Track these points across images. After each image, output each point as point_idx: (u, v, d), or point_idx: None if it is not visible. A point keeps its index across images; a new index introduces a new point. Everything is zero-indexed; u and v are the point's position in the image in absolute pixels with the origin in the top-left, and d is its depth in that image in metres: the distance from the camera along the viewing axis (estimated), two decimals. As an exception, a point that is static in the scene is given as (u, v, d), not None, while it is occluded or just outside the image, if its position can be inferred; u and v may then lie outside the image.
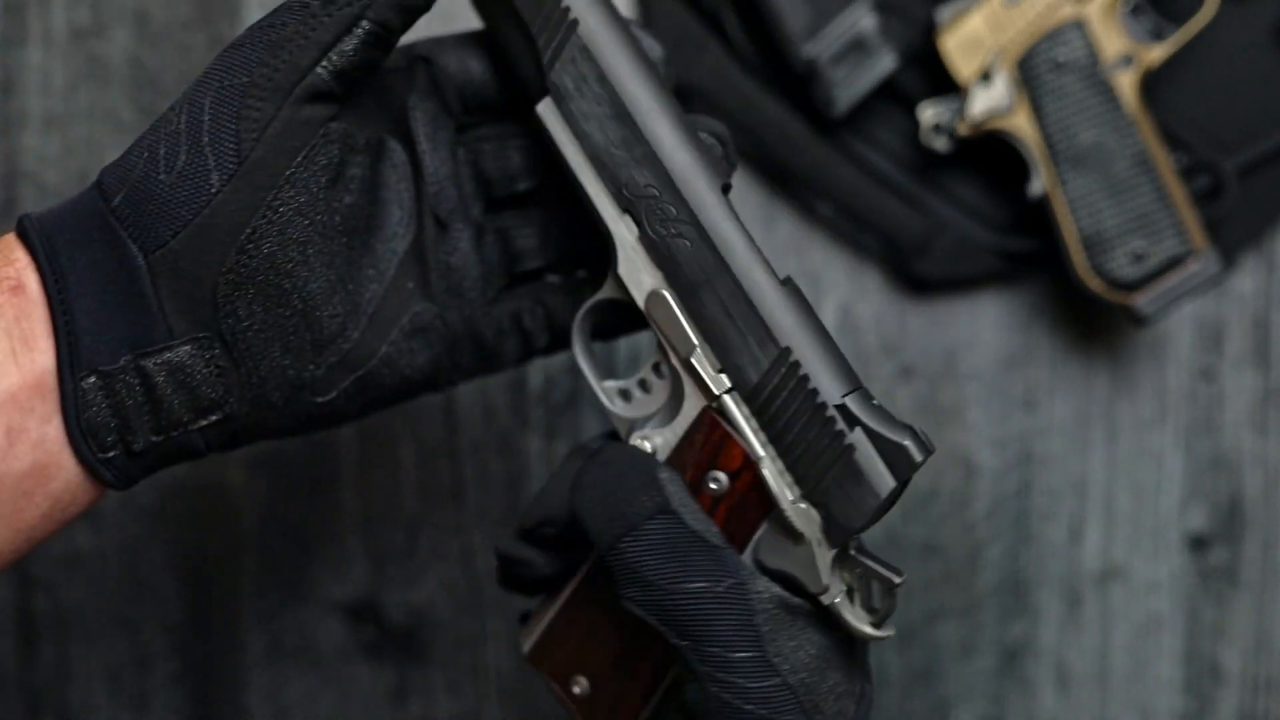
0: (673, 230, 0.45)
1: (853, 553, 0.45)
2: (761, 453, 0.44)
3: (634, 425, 0.47)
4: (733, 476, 0.45)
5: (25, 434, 0.41)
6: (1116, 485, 0.72)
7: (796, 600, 0.44)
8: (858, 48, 0.66)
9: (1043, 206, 0.67)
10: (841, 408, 0.44)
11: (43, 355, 0.42)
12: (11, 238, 0.44)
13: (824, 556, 0.44)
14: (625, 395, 0.48)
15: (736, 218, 0.45)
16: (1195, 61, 0.68)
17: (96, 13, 0.69)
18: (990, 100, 0.66)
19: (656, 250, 0.45)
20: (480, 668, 0.72)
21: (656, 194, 0.45)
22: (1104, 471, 0.71)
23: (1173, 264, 0.66)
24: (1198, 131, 0.69)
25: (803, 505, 0.44)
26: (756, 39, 0.68)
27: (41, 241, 0.42)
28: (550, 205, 0.50)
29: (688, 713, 0.45)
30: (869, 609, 0.45)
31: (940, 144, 0.67)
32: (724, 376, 0.45)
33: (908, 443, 0.43)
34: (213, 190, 0.42)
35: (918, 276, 0.69)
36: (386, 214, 0.47)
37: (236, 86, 0.42)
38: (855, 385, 0.44)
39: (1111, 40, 0.65)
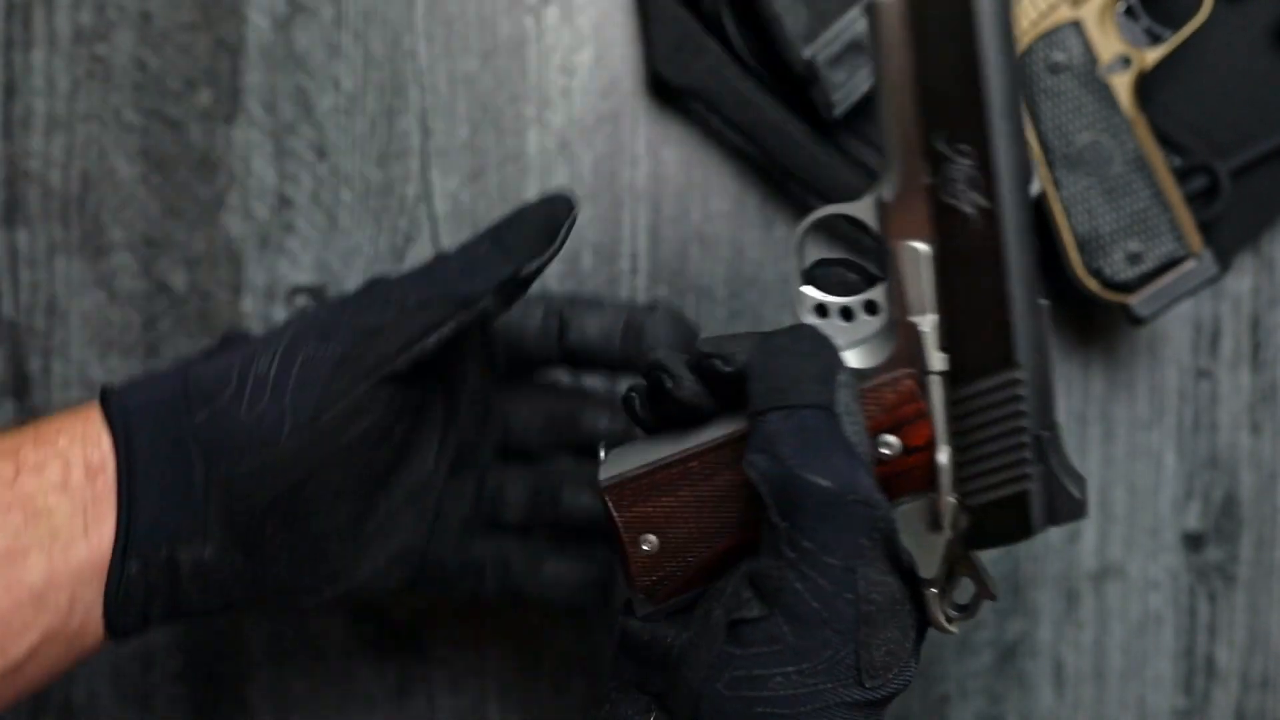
0: (967, 201, 0.43)
1: (970, 555, 0.46)
2: (946, 443, 0.44)
3: None
4: (907, 450, 0.44)
5: (81, 602, 0.47)
6: (1113, 484, 0.72)
7: (900, 558, 0.44)
8: (857, 49, 0.66)
9: (1039, 207, 0.67)
10: (1037, 439, 0.44)
11: (106, 535, 0.46)
12: (98, 418, 0.48)
13: (947, 553, 0.44)
14: (822, 311, 0.46)
15: (1032, 228, 0.44)
16: (1191, 63, 0.69)
17: (100, 15, 0.70)
18: (988, 102, 0.66)
19: (939, 207, 0.43)
20: (481, 666, 0.72)
21: (969, 161, 0.43)
22: (1101, 471, 0.72)
23: (1169, 265, 0.66)
24: (1193, 133, 0.69)
25: (953, 501, 0.44)
26: (755, 41, 0.69)
27: (122, 429, 0.47)
28: (550, 466, 0.54)
29: (750, 583, 0.44)
30: (955, 606, 0.45)
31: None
32: (943, 357, 0.44)
33: (1079, 495, 0.44)
34: (282, 437, 0.46)
35: (916, 277, 0.69)
36: (412, 463, 0.52)
37: (327, 359, 0.47)
38: (1053, 424, 0.45)
39: (1108, 42, 0.66)
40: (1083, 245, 0.66)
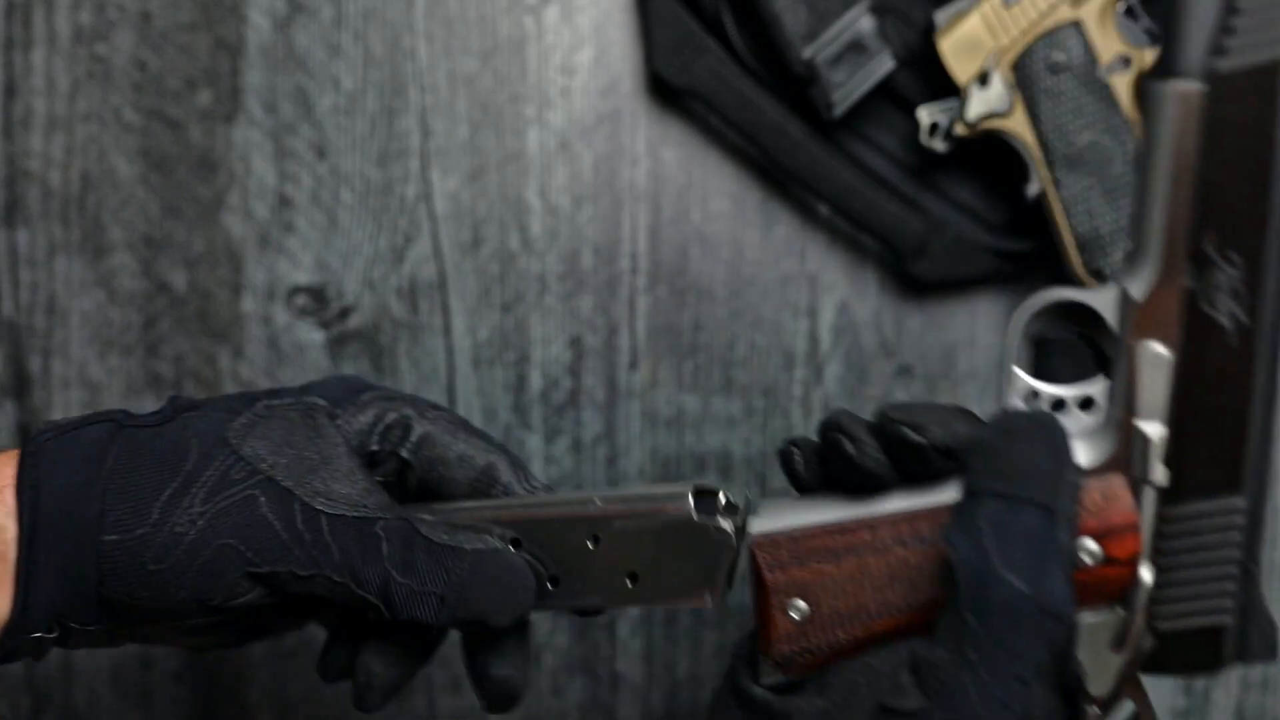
0: (1225, 313, 0.40)
1: (1138, 678, 0.43)
2: (1149, 560, 0.41)
3: None
4: (1108, 560, 0.41)
5: None
6: (1113, 484, 0.72)
7: (1070, 671, 0.41)
8: (856, 49, 0.66)
9: (1040, 207, 0.67)
10: (1245, 571, 0.41)
11: (1, 607, 0.48)
12: (9, 502, 0.48)
13: (1121, 673, 0.42)
14: (1033, 397, 0.43)
15: None
16: (1191, 63, 0.69)
17: (100, 15, 0.70)
18: (987, 102, 0.66)
19: (1192, 313, 0.40)
20: (481, 665, 0.72)
21: (1238, 271, 0.40)
22: (1101, 470, 0.72)
23: (1169, 264, 0.66)
24: (1194, 133, 0.69)
25: (1142, 622, 0.41)
26: (756, 41, 0.69)
27: (29, 524, 0.47)
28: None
29: (913, 670, 0.41)
30: None
31: (938, 145, 0.67)
32: (1165, 470, 0.41)
33: (1272, 637, 0.42)
34: (177, 597, 0.48)
35: (916, 277, 0.70)
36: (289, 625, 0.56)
37: (239, 556, 0.47)
38: (1259, 557, 0.42)
39: (1109, 42, 0.66)
40: (1083, 245, 0.66)
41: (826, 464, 0.44)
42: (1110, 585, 0.41)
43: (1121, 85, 0.66)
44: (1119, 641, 0.41)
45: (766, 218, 0.71)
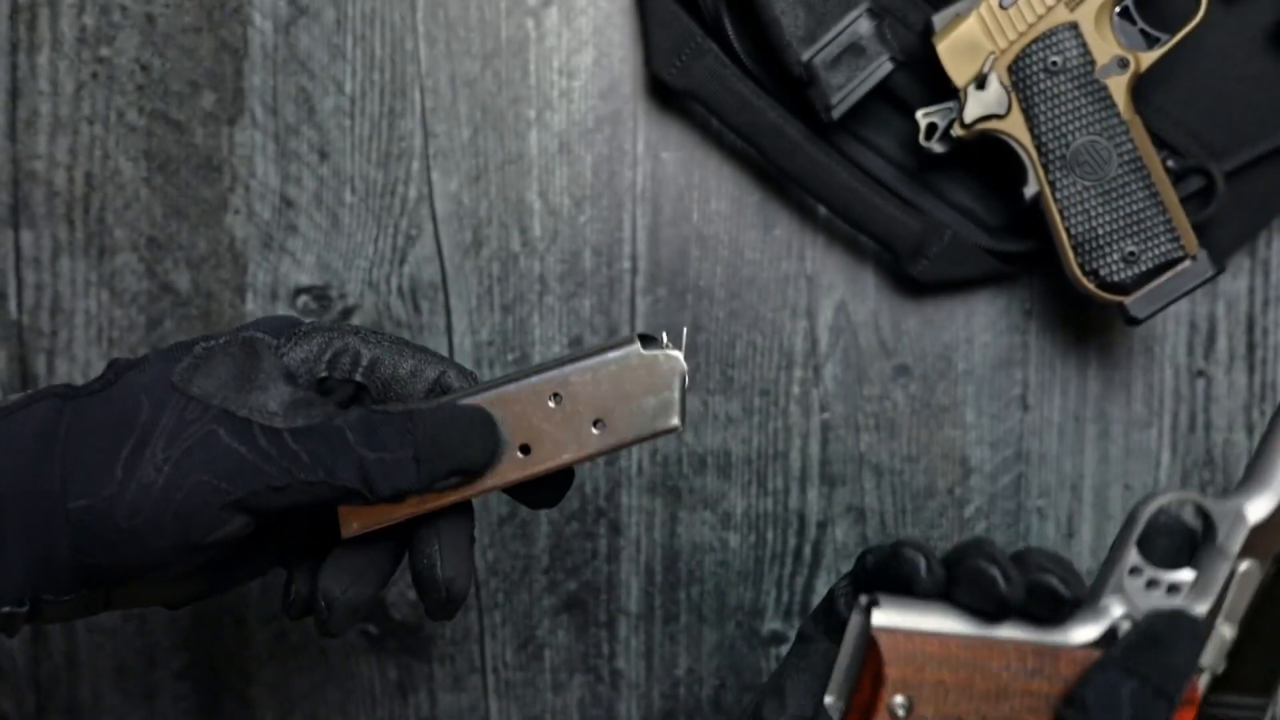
0: None
1: None
2: None
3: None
4: None
5: None
6: (1110, 483, 0.72)
7: None
8: (854, 52, 0.66)
9: (1037, 208, 0.67)
10: None
11: None
12: None
13: None
14: (1135, 572, 0.49)
15: None
16: (1186, 65, 0.69)
17: (104, 18, 0.70)
18: (985, 103, 0.66)
19: None
20: (481, 663, 0.73)
21: None
22: (1097, 470, 0.72)
23: (1165, 265, 0.66)
24: (1189, 135, 0.69)
25: None
26: (755, 43, 0.69)
27: None
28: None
29: None
30: None
31: (936, 147, 0.68)
32: (1220, 662, 0.48)
33: None
34: (154, 549, 0.48)
35: (913, 277, 0.70)
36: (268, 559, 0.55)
37: (214, 490, 0.48)
38: None
39: (1105, 44, 0.66)
40: (1079, 246, 0.66)
41: (960, 582, 0.48)
42: None
43: (1118, 87, 0.66)
44: None
45: (765, 219, 0.72)
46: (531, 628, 0.72)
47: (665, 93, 0.70)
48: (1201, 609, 0.48)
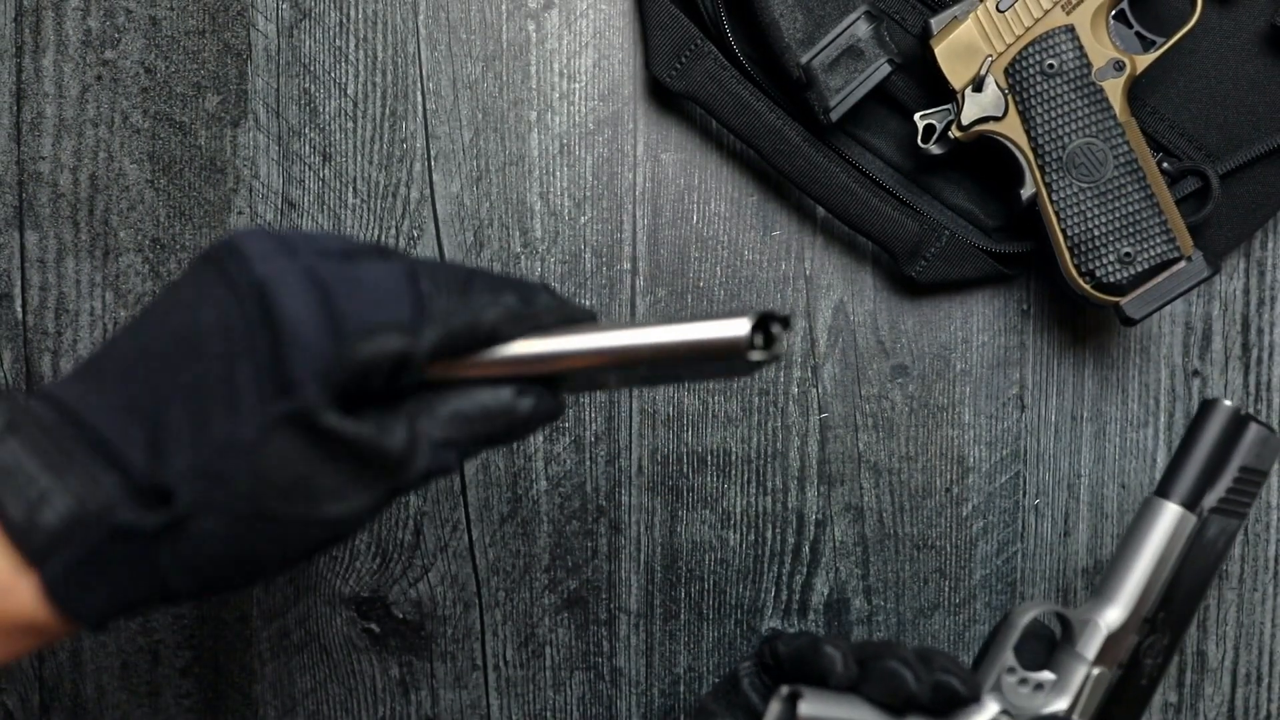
0: (1147, 665, 0.59)
1: None
2: None
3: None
4: None
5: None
6: (1106, 482, 0.73)
7: None
8: (852, 55, 0.67)
9: (1034, 210, 0.68)
10: None
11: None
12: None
13: None
14: (1010, 671, 0.58)
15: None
16: (1182, 68, 0.69)
17: (109, 20, 0.70)
18: (982, 106, 0.67)
19: (1132, 658, 0.59)
20: (482, 661, 0.73)
21: (1165, 641, 0.60)
22: (1093, 469, 0.73)
23: (1160, 266, 0.66)
24: (1184, 137, 0.70)
25: None
26: (753, 46, 0.69)
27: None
28: None
29: None
30: None
31: (933, 149, 0.68)
32: None
33: None
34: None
35: (911, 278, 0.70)
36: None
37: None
38: None
39: (1101, 46, 0.66)
40: (1075, 247, 0.67)
41: (872, 679, 0.55)
42: None
43: (1114, 89, 0.66)
44: None
45: (764, 220, 0.72)
46: (532, 626, 0.73)
47: (665, 95, 0.71)
48: (1061, 706, 0.58)
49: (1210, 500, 0.59)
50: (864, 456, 0.72)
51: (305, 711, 0.73)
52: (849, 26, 0.67)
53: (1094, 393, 0.73)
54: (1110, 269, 0.67)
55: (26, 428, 0.44)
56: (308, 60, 0.71)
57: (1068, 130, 0.66)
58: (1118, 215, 0.66)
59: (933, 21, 0.67)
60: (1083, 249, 0.67)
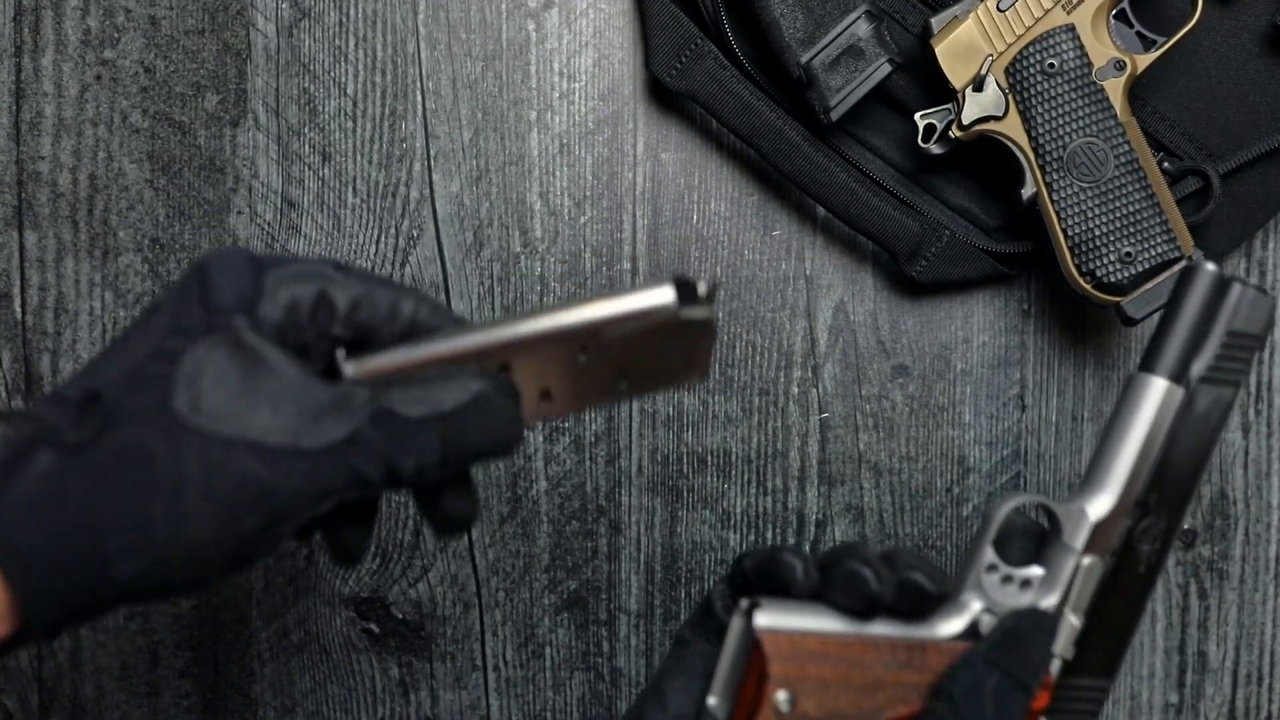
0: (1144, 548, 0.54)
1: None
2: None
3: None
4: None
5: None
6: (1106, 482, 0.73)
7: None
8: (853, 54, 0.67)
9: (1034, 210, 0.68)
10: None
11: None
12: None
13: None
14: (990, 569, 0.53)
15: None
16: (1182, 67, 0.69)
17: (108, 20, 0.70)
18: (982, 105, 0.67)
19: (1125, 543, 0.53)
20: (482, 661, 0.73)
21: (1161, 524, 0.54)
22: (1094, 469, 0.73)
23: (1161, 266, 0.67)
24: (1185, 136, 0.70)
25: None
26: (753, 45, 0.69)
27: (22, 582, 0.44)
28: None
29: None
30: None
31: (934, 148, 0.68)
32: (1073, 650, 0.52)
33: None
34: (194, 558, 0.46)
35: (912, 278, 0.70)
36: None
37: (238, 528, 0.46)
38: None
39: (1102, 46, 0.66)
40: (1076, 247, 0.67)
41: (834, 584, 0.51)
42: None
43: (1114, 89, 0.66)
44: None
45: (765, 220, 0.72)
46: (532, 626, 0.73)
47: (665, 94, 0.71)
48: (1051, 601, 0.52)
49: (1198, 369, 0.53)
50: (864, 457, 0.72)
51: (305, 712, 0.73)
52: (849, 26, 0.67)
53: (1094, 393, 0.73)
54: (1111, 269, 0.67)
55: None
56: (307, 60, 0.71)
57: (1068, 130, 0.66)
58: (1118, 215, 0.66)
59: (933, 21, 0.67)
60: (1083, 249, 0.67)
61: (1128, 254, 0.66)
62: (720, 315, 0.48)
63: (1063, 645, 0.52)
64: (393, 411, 0.46)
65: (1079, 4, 0.66)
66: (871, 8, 0.67)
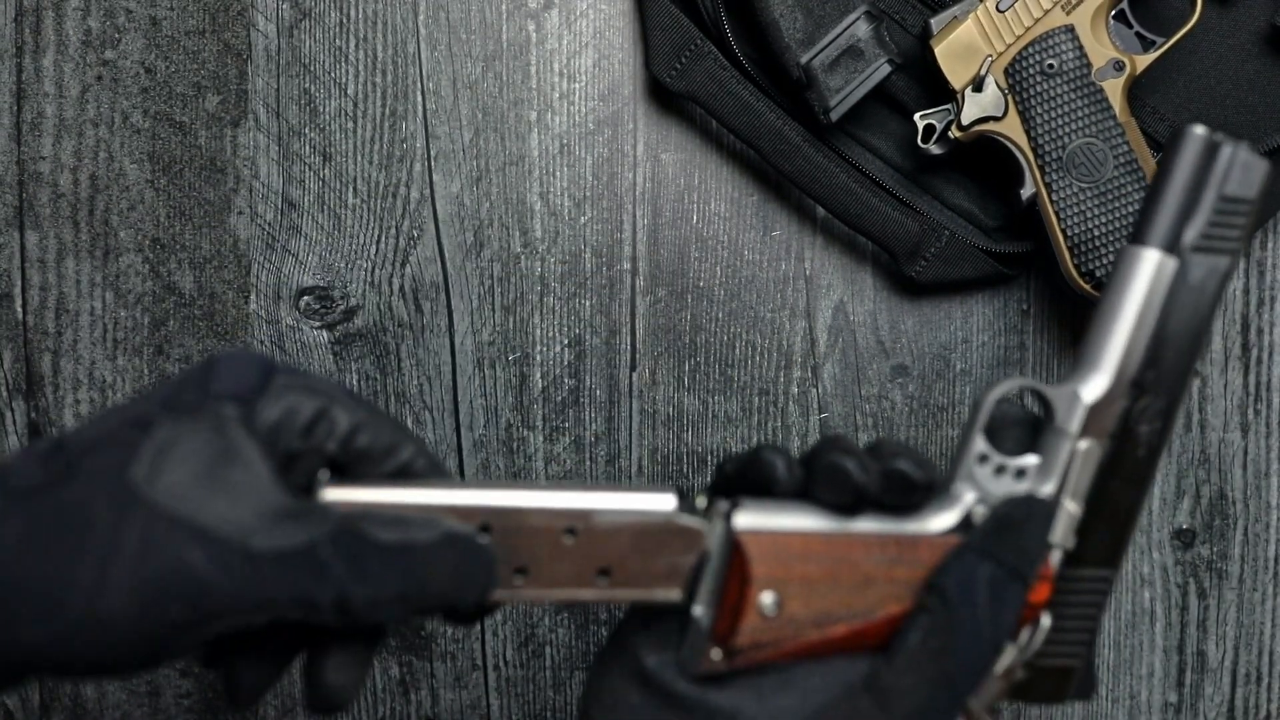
0: (1145, 428, 0.50)
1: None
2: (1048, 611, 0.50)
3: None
4: (1026, 604, 0.49)
5: None
6: (1106, 482, 0.73)
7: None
8: (852, 55, 0.67)
9: (1033, 210, 0.68)
10: (1095, 625, 0.52)
11: None
12: None
13: (995, 695, 0.49)
14: (982, 459, 0.50)
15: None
16: (1181, 68, 0.70)
17: (109, 20, 0.71)
18: (982, 105, 0.67)
19: (1123, 425, 0.50)
20: (482, 661, 0.73)
21: (1160, 403, 0.50)
22: (1093, 469, 0.73)
23: (1160, 266, 0.67)
24: (1185, 136, 0.70)
25: (1019, 658, 0.50)
26: (753, 46, 0.69)
27: None
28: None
29: (871, 687, 0.47)
30: None
31: (934, 149, 0.68)
32: (1074, 539, 0.50)
33: (1094, 678, 0.53)
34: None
35: (911, 278, 0.70)
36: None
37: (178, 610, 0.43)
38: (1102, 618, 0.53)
39: (1101, 46, 0.66)
40: (1075, 247, 0.67)
41: (816, 478, 0.48)
42: (1018, 623, 0.49)
43: (1114, 89, 0.66)
44: (1007, 670, 0.49)
45: (764, 220, 0.72)
46: (532, 626, 0.73)
47: (665, 95, 0.71)
48: (1048, 489, 0.49)
49: (1190, 237, 0.50)
50: (864, 456, 0.73)
51: (305, 712, 0.73)
52: (849, 26, 0.67)
53: (1094, 393, 0.73)
54: (1110, 269, 0.67)
55: None
56: (308, 60, 0.71)
57: (1068, 130, 0.66)
58: (1118, 215, 0.66)
59: (933, 21, 0.67)
60: (1083, 249, 0.67)
61: (1127, 254, 0.67)
62: (720, 537, 0.47)
63: (1062, 534, 0.49)
64: (358, 533, 0.44)
65: (1078, 4, 0.66)
66: (871, 8, 0.67)
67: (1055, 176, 0.67)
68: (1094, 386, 0.50)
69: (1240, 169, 0.50)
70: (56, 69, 0.71)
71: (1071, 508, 0.49)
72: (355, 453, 0.46)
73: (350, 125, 0.71)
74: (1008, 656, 0.49)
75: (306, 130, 0.71)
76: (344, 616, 0.43)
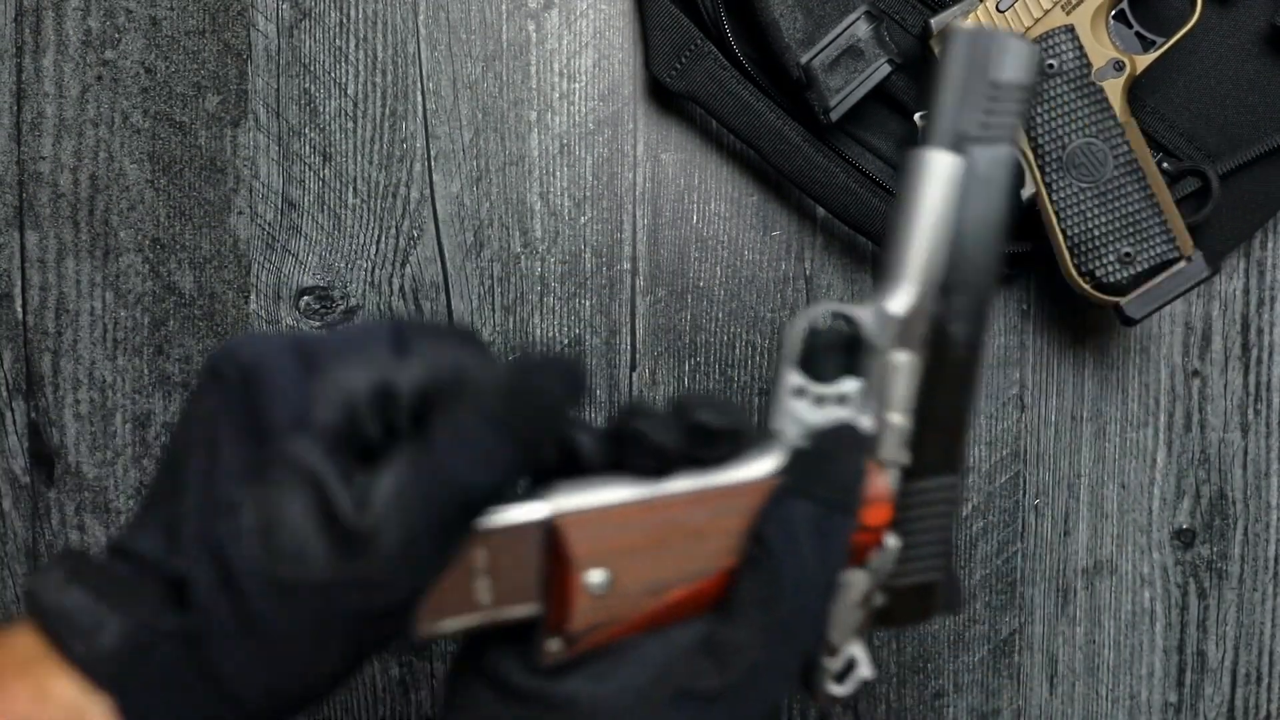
0: (958, 329, 0.49)
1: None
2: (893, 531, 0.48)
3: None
4: (863, 528, 0.47)
5: None
6: (1105, 482, 0.73)
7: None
8: (852, 54, 0.67)
9: (1033, 210, 0.68)
10: (949, 534, 0.50)
11: None
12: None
13: (857, 625, 0.48)
14: (800, 392, 0.49)
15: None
16: (1181, 68, 0.70)
17: (109, 20, 0.71)
18: (982, 106, 0.67)
19: (937, 330, 0.49)
20: (483, 660, 0.73)
21: (968, 300, 0.49)
22: (1093, 468, 0.73)
23: (1160, 266, 0.67)
24: (1184, 137, 0.70)
25: (873, 584, 0.48)
26: (753, 46, 0.69)
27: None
28: None
29: (708, 647, 0.46)
30: (834, 677, 0.50)
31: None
32: (906, 453, 0.48)
33: (961, 591, 0.52)
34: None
35: (911, 278, 0.70)
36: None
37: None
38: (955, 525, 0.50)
39: (1101, 47, 0.66)
40: (1075, 247, 0.67)
41: (622, 448, 0.47)
42: (861, 550, 0.48)
43: (1113, 89, 0.66)
44: (863, 598, 0.48)
45: (764, 220, 0.72)
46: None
47: (665, 95, 0.71)
48: (869, 410, 0.48)
49: (968, 130, 0.49)
50: (864, 456, 0.73)
51: (305, 711, 0.73)
52: (849, 26, 0.67)
53: (1094, 393, 0.73)
54: (1110, 269, 0.67)
55: (85, 572, 0.43)
56: (308, 60, 0.71)
57: (1067, 130, 0.66)
58: (1118, 215, 0.67)
59: (933, 21, 0.67)
60: (1083, 249, 0.67)
61: (1127, 254, 0.67)
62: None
63: (892, 451, 0.48)
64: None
65: (1078, 4, 0.66)
66: (871, 8, 0.67)
67: (1055, 176, 0.67)
68: (901, 297, 0.49)
69: (1009, 55, 0.49)
70: (56, 69, 0.71)
71: (899, 421, 0.48)
72: (432, 397, 0.44)
73: (350, 125, 0.71)
74: (860, 585, 0.48)
75: (306, 130, 0.71)
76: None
